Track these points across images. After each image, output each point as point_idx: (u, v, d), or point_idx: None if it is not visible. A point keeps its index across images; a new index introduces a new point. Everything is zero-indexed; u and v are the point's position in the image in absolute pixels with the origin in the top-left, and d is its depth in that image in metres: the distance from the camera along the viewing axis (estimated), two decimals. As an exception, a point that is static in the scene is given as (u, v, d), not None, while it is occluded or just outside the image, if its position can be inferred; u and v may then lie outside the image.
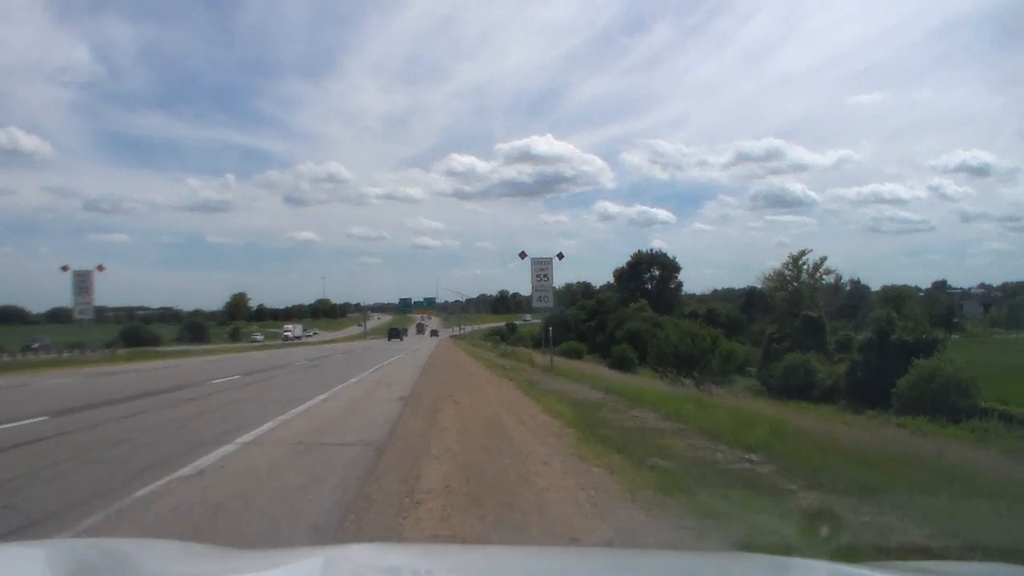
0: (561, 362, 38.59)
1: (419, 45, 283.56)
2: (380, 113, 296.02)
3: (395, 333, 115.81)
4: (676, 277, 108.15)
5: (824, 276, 71.82)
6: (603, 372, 37.15)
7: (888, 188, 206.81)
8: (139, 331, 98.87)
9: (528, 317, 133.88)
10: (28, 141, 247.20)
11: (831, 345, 59.92)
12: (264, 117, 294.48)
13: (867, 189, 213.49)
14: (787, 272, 71.22)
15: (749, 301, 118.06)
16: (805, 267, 71.17)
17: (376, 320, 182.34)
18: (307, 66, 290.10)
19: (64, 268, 50.50)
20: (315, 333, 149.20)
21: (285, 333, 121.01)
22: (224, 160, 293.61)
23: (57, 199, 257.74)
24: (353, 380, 24.29)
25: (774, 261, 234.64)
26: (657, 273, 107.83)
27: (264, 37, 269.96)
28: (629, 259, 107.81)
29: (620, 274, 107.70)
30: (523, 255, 37.19)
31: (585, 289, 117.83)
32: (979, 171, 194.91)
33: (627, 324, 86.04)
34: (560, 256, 38.02)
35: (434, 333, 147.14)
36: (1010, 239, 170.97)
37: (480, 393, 19.58)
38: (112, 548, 2.98)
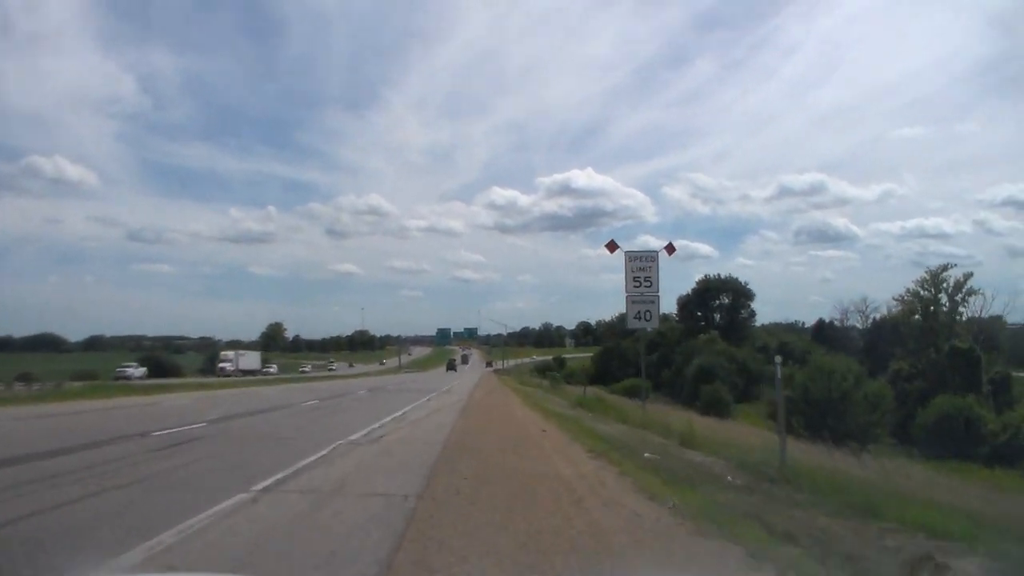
0: (658, 411, 26.05)
1: (461, 79, 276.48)
2: (422, 146, 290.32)
3: (452, 365, 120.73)
4: (749, 306, 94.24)
5: (967, 298, 56.33)
6: (740, 434, 23.45)
7: (932, 223, 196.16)
8: (160, 361, 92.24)
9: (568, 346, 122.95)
10: (74, 171, 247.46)
11: (986, 387, 45.31)
12: (306, 149, 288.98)
13: (911, 224, 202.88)
14: (924, 292, 55.90)
15: (820, 333, 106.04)
16: (945, 287, 55.76)
17: (412, 353, 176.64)
18: (350, 98, 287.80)
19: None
20: (332, 364, 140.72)
21: (221, 365, 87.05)
22: (266, 191, 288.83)
23: (102, 228, 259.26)
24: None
25: (818, 296, 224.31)
26: (727, 301, 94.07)
27: (307, 69, 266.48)
28: (695, 284, 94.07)
29: (685, 302, 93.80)
30: (613, 246, 25.32)
31: None
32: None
33: (698, 358, 73.10)
34: (670, 249, 25.89)
35: (464, 360, 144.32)
36: None
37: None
38: None
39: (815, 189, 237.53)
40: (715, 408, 46.70)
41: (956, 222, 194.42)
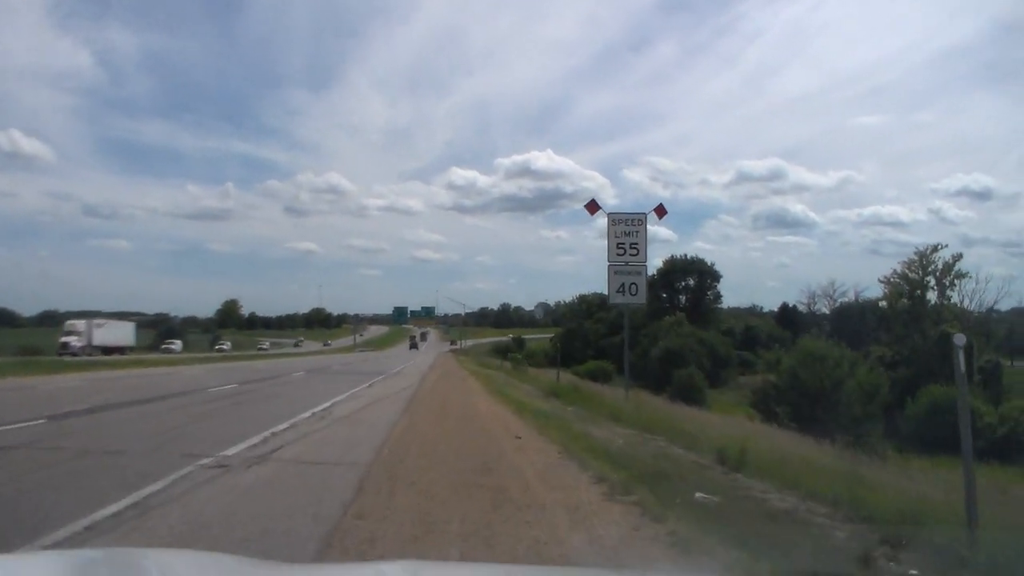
0: (642, 402, 22.07)
1: (423, 58, 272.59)
2: (382, 125, 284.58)
3: (414, 343, 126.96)
4: (715, 287, 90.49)
5: (956, 280, 52.32)
6: (758, 435, 18.92)
7: (889, 210, 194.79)
8: None
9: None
10: (29, 145, 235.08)
11: (976, 376, 41.56)
12: (266, 126, 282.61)
13: (868, 211, 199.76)
14: (911, 274, 51.83)
15: (785, 318, 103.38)
16: (933, 269, 51.67)
17: (371, 332, 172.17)
18: (310, 76, 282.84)
19: None
20: (300, 341, 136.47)
21: (64, 339, 57.71)
22: (225, 169, 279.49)
23: (57, 203, 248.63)
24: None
25: (775, 281, 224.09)
26: (693, 282, 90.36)
27: (268, 46, 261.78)
28: (661, 265, 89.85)
29: (649, 283, 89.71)
30: (594, 206, 21.82)
31: (603, 300, 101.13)
32: (981, 195, 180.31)
33: (665, 341, 69.43)
34: (660, 212, 22.05)
35: (423, 338, 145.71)
36: (1011, 264, 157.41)
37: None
38: (119, 558, 2.72)
39: (774, 175, 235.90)
40: (688, 394, 42.35)
41: (912, 211, 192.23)
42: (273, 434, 11.22)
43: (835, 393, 31.49)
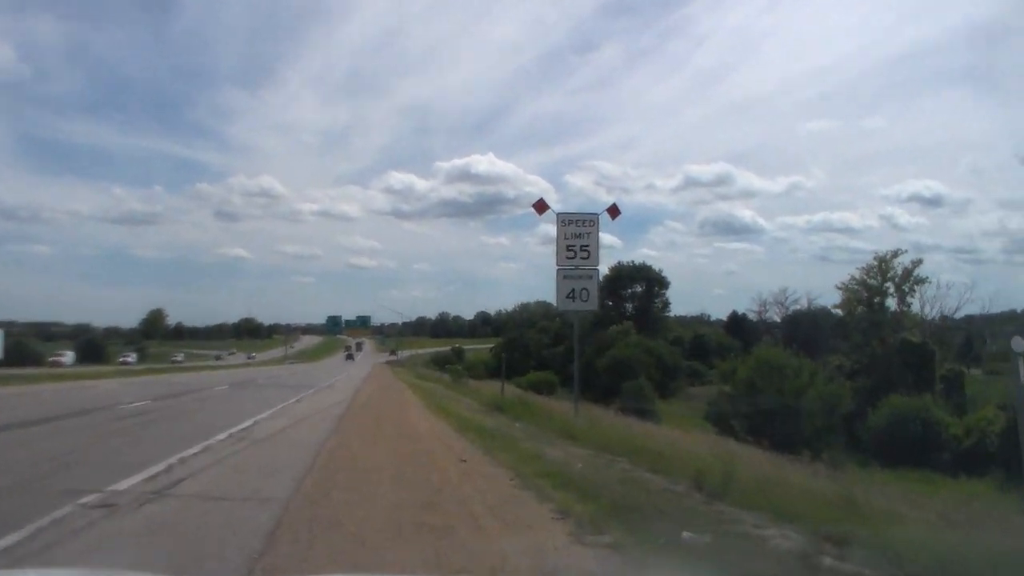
0: (593, 416, 21.48)
1: (361, 58, 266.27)
2: (318, 127, 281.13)
3: (350, 354, 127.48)
4: (663, 295, 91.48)
5: (915, 287, 52.58)
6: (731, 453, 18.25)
7: (839, 216, 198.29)
8: (22, 347, 79.01)
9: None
10: None
11: (938, 385, 41.71)
12: (196, 127, 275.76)
13: (817, 217, 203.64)
14: (870, 280, 52.06)
15: (735, 326, 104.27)
16: (892, 275, 51.93)
17: (304, 342, 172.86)
18: (244, 75, 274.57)
19: None
20: (231, 352, 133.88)
21: None
22: (153, 170, 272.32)
23: None
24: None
25: (721, 289, 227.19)
26: (640, 289, 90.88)
27: (200, 43, 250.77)
28: (607, 271, 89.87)
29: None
30: (542, 206, 21.04)
31: (546, 310, 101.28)
32: (931, 202, 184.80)
33: (611, 351, 69.41)
34: (614, 212, 21.14)
35: (359, 348, 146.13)
36: (963, 271, 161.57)
37: None
38: None
39: (721, 180, 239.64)
40: (638, 407, 41.74)
41: (863, 217, 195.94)
42: (181, 460, 10.01)
43: (795, 404, 31.07)
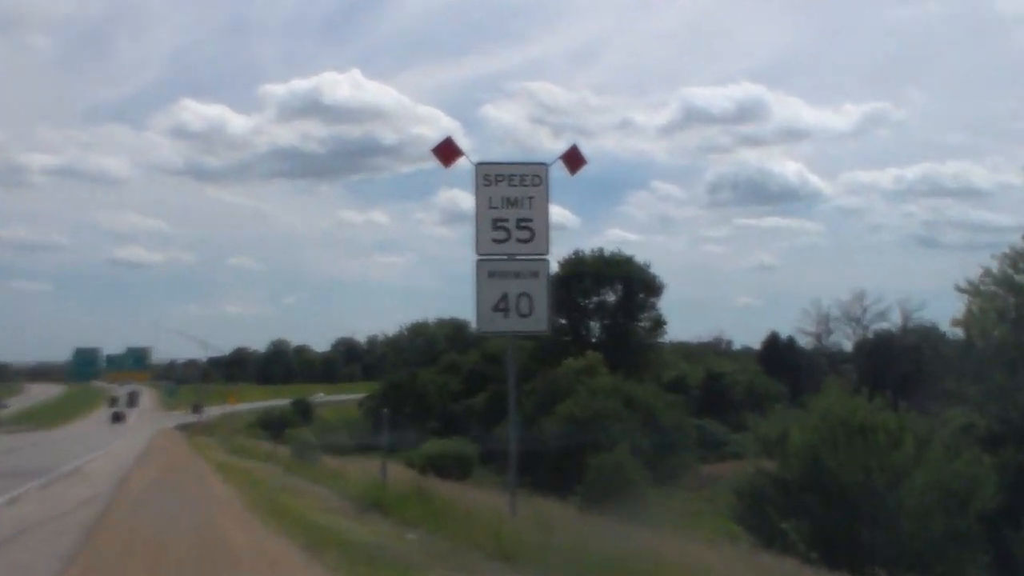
0: None
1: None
2: (53, 19, 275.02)
3: (117, 415, 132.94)
4: (653, 305, 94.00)
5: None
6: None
7: (953, 169, 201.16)
8: None
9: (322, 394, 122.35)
10: None
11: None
12: None
13: (915, 171, 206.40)
14: (1019, 278, 52.54)
15: (775, 358, 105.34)
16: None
17: (31, 394, 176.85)
18: None
19: None
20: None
21: None
22: None
23: None
24: None
25: (749, 296, 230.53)
26: (615, 297, 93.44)
27: None
28: (558, 269, 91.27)
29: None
30: (450, 150, 21.22)
31: (455, 333, 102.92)
32: None
33: (568, 401, 71.40)
34: (574, 159, 21.71)
35: (132, 402, 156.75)
36: None
37: None
38: None
39: (746, 112, 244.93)
40: (617, 499, 42.24)
41: (996, 169, 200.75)
42: None
43: (893, 495, 31.44)
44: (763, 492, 36.74)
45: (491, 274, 19.94)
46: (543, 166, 20.63)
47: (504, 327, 20.30)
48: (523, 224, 20.08)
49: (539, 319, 20.16)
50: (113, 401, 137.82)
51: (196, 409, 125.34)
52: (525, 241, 20.02)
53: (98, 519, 20.91)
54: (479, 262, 19.92)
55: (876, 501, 31.29)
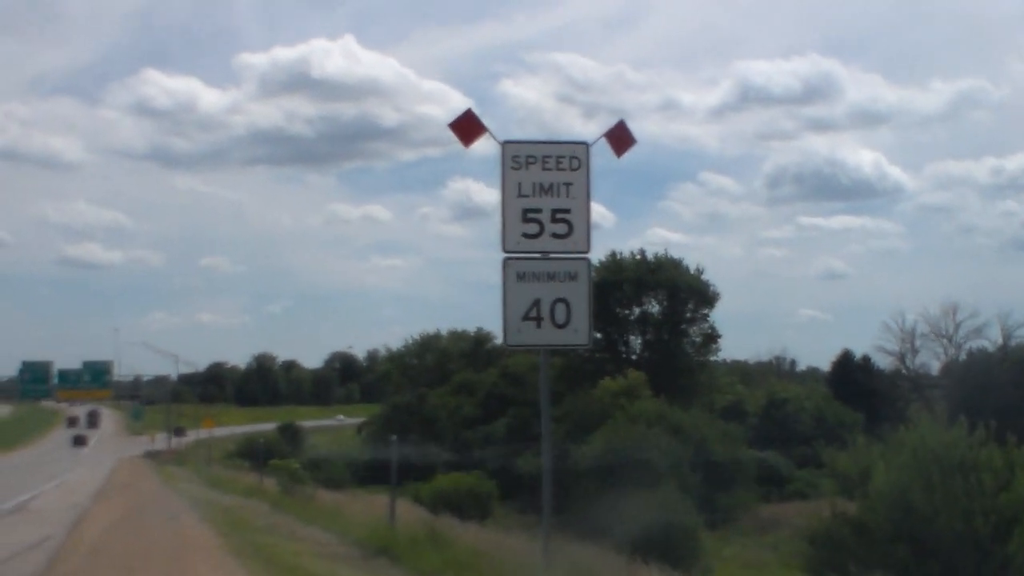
0: None
1: None
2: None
3: (80, 438, 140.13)
4: (705, 316, 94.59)
5: None
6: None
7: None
8: None
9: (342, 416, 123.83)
10: None
11: None
12: None
13: (1017, 161, 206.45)
14: None
15: (848, 381, 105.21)
16: None
17: None
18: None
19: None
20: None
21: None
22: None
23: None
24: None
25: (815, 309, 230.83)
26: (659, 306, 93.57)
27: None
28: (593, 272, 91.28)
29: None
30: (471, 126, 21.02)
31: (475, 348, 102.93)
32: None
33: (604, 427, 73.02)
34: (621, 137, 21.03)
35: (91, 423, 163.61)
36: None
37: None
38: None
39: (814, 90, 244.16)
40: (666, 546, 41.97)
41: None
42: None
43: (999, 546, 31.21)
44: (842, 540, 36.44)
45: (520, 276, 19.34)
46: (584, 145, 20.02)
47: (537, 339, 19.83)
48: (559, 216, 19.56)
49: (578, 330, 19.54)
50: (72, 421, 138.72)
51: (178, 433, 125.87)
52: (562, 236, 19.50)
53: (43, 573, 20.77)
54: (506, 261, 19.31)
55: (979, 553, 30.98)
